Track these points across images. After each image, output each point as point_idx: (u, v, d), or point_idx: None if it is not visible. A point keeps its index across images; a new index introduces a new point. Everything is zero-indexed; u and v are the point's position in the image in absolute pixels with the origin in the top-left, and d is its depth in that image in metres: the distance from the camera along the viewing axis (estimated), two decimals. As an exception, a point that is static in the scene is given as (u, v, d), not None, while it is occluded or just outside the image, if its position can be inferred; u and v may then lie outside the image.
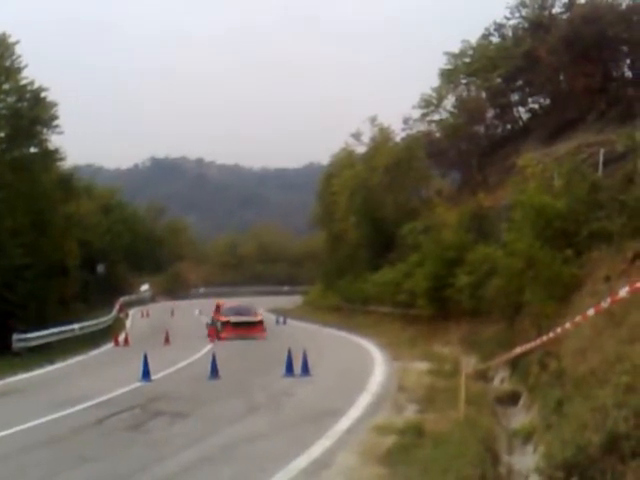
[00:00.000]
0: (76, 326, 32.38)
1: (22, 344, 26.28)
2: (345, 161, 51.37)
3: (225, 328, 32.44)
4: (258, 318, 33.92)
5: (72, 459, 10.29)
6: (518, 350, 11.63)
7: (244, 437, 11.44)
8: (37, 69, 35.93)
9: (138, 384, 18.21)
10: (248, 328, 32.42)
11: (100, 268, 54.27)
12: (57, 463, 10.11)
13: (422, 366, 19.41)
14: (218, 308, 35.20)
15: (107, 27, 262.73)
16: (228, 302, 37.00)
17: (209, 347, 27.63)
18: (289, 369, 19.08)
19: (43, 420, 13.36)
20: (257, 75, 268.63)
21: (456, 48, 46.80)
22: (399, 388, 16.04)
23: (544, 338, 10.55)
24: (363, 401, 14.72)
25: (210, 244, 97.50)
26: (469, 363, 18.36)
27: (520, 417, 12.75)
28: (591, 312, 8.78)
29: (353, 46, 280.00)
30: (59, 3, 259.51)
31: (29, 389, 18.74)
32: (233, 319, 32.96)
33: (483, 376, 16.97)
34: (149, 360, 19.23)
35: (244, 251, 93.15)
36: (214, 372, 19.01)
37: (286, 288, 75.88)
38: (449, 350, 22.63)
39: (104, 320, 39.15)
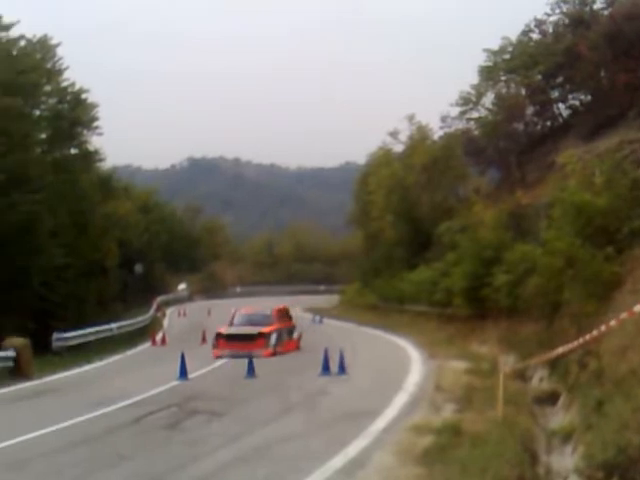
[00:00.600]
0: (114, 325, 32.62)
1: (61, 343, 26.58)
2: (382, 160, 51.20)
3: (218, 342, 25.17)
4: (262, 330, 25.17)
5: (109, 458, 10.35)
6: (560, 350, 11.44)
7: (280, 437, 11.41)
8: (77, 71, 36.26)
9: (175, 383, 18.31)
10: (245, 343, 24.33)
11: (138, 268, 54.62)
12: (94, 461, 10.18)
13: (459, 365, 19.24)
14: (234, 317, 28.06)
15: (136, 26, 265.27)
16: (244, 308, 30.02)
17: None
18: (325, 368, 19.05)
19: (81, 419, 13.47)
20: (293, 75, 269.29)
21: (496, 45, 46.39)
22: (436, 387, 15.90)
23: (586, 337, 10.37)
24: (400, 400, 14.62)
25: (246, 243, 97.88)
26: (507, 362, 18.15)
27: (559, 417, 12.56)
28: (638, 309, 8.59)
29: (390, 45, 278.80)
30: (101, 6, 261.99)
31: (67, 388, 18.94)
32: (226, 330, 25.88)
33: (521, 375, 16.77)
34: (186, 359, 19.34)
35: (280, 250, 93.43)
36: (251, 371, 19.05)
37: (322, 287, 75.86)
38: (486, 349, 22.42)
39: (142, 319, 39.42)
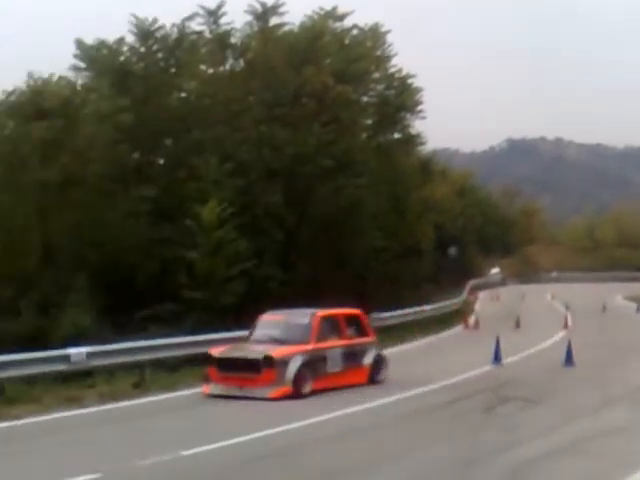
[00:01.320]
0: (427, 307, 33.10)
1: (378, 323, 27.65)
2: None
3: (209, 372, 14.89)
4: (272, 353, 14.21)
5: (424, 439, 10.59)
6: None
7: (599, 431, 10.87)
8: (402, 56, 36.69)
9: (488, 368, 18.25)
10: (244, 374, 14.34)
11: (452, 251, 54.94)
12: (409, 442, 10.41)
13: None
14: None
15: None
16: (273, 312, 16.47)
17: (562, 334, 26.79)
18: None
19: (394, 398, 13.87)
20: (618, 50, 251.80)
21: None
22: None
23: None
24: None
25: (564, 227, 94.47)
26: None
27: None
28: None
29: None
30: None
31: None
32: (220, 352, 14.94)
33: None
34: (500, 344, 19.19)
35: (601, 235, 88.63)
36: (569, 360, 18.36)
37: (645, 274, 70.67)
38: None
39: (454, 302, 39.67)
